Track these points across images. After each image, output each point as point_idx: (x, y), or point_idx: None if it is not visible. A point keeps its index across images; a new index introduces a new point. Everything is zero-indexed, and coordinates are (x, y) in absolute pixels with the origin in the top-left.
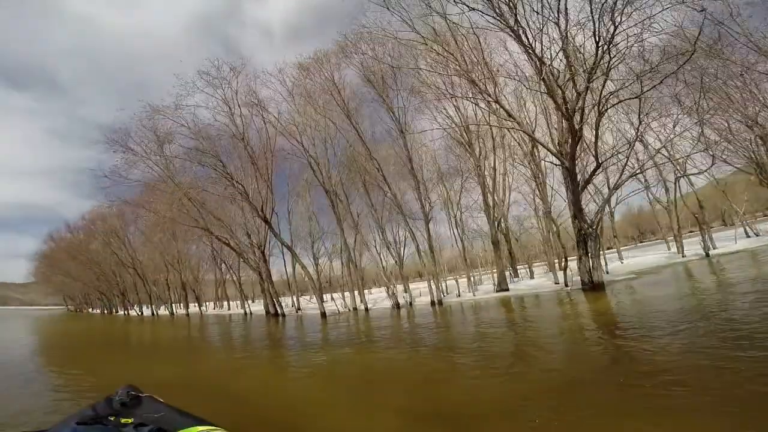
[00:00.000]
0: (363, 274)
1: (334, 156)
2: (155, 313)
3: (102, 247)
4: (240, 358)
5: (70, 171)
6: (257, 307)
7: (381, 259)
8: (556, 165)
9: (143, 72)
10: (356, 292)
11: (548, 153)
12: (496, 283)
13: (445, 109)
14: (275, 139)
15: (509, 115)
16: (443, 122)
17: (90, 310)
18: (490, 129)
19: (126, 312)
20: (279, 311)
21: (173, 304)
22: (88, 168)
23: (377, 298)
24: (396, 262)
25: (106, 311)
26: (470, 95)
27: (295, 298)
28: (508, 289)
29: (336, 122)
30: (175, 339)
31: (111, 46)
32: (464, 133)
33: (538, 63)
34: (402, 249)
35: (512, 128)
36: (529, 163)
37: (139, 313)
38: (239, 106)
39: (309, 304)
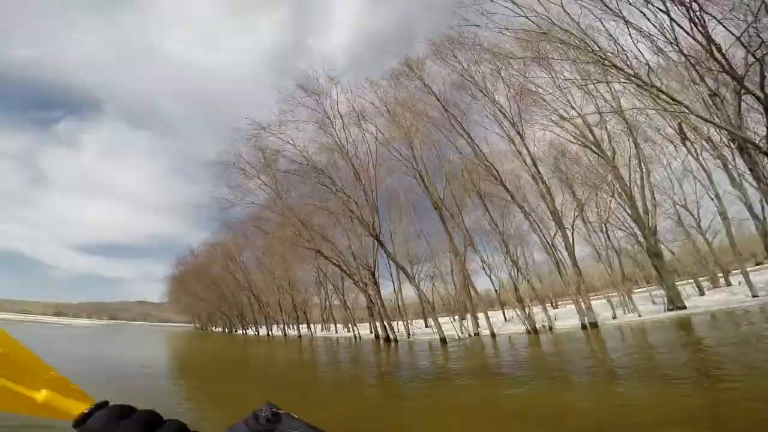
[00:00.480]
0: (479, 296)
1: (440, 167)
2: (269, 333)
3: (221, 271)
4: (384, 393)
5: (191, 205)
6: (364, 330)
7: (495, 281)
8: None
9: (231, 108)
10: (472, 316)
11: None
12: (665, 300)
13: (556, 111)
14: (376, 153)
15: (672, 99)
16: (560, 123)
17: (213, 328)
18: (627, 126)
19: (244, 331)
20: (390, 335)
21: (285, 325)
22: (210, 191)
23: (495, 322)
24: (527, 280)
25: (226, 330)
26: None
27: (403, 323)
28: (684, 307)
29: (441, 130)
30: (300, 365)
31: (201, 84)
32: (590, 134)
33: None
34: (526, 265)
35: (677, 113)
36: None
37: (256, 333)
38: (340, 116)
39: (417, 329)
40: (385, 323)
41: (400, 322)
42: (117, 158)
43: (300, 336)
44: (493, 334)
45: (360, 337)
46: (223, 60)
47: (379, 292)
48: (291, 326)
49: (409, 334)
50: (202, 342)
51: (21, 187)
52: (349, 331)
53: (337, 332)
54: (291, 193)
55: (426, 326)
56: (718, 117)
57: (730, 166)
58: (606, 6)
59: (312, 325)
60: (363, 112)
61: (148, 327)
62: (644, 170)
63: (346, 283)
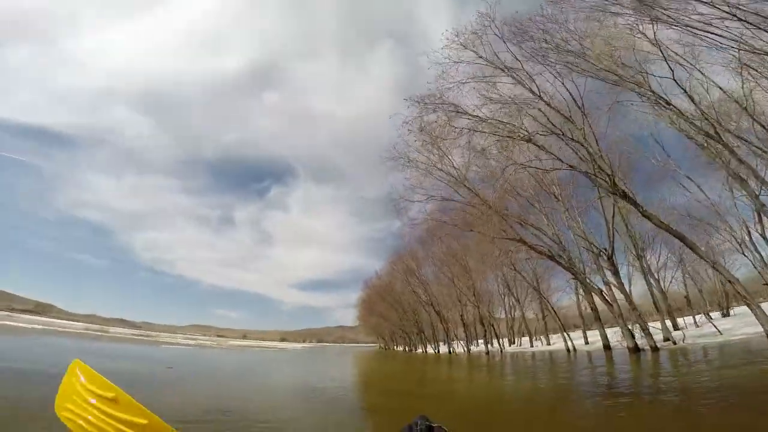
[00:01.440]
0: None
1: None
2: (451, 350)
3: (402, 287)
4: None
5: (370, 239)
6: (578, 340)
7: None
8: None
9: (382, 144)
10: None
11: None
12: None
13: None
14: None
15: None
16: None
17: (395, 347)
18: None
19: (424, 349)
20: (651, 344)
21: (468, 341)
22: (389, 190)
23: None
24: None
25: (406, 348)
26: None
27: (661, 322)
28: None
29: None
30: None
31: (350, 132)
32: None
33: None
34: None
35: None
36: None
37: (435, 351)
38: None
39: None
40: (641, 325)
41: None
42: (312, 212)
43: (488, 353)
44: None
45: (575, 349)
46: (356, 108)
47: (621, 284)
48: (474, 342)
49: (671, 339)
50: (379, 361)
51: (255, 246)
52: (548, 344)
53: (532, 346)
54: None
55: (676, 327)
56: None
57: None
58: None
59: (500, 340)
60: None
61: (339, 348)
62: None
63: (553, 283)
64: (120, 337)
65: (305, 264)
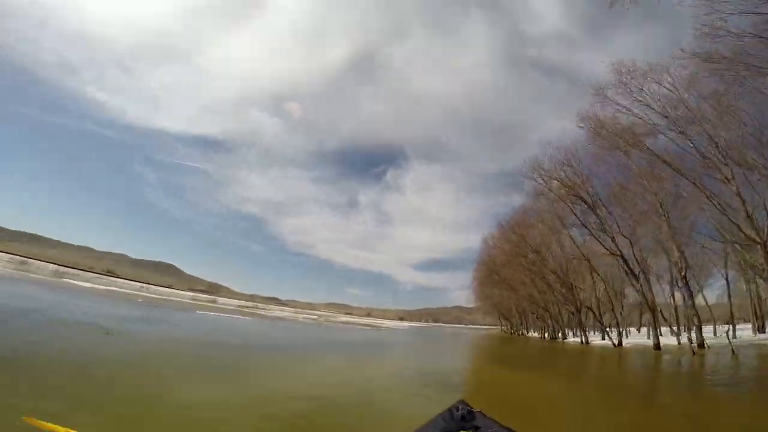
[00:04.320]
0: None
1: None
2: (618, 341)
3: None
4: None
5: (484, 215)
6: None
7: None
8: None
9: (485, 118)
10: None
11: None
12: None
13: None
14: None
15: None
16: None
17: (527, 332)
18: None
19: (584, 338)
20: None
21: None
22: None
23: None
24: None
25: (546, 335)
26: None
27: None
28: None
29: None
30: None
31: (449, 108)
32: None
33: None
34: None
35: None
36: None
37: (583, 341)
38: None
39: None
40: None
41: None
42: (424, 191)
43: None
44: None
45: None
46: (457, 83)
47: None
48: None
49: None
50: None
51: (377, 227)
52: None
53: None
54: None
55: None
56: None
57: None
58: None
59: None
60: None
61: (450, 330)
62: None
63: None
64: (251, 312)
65: (422, 244)
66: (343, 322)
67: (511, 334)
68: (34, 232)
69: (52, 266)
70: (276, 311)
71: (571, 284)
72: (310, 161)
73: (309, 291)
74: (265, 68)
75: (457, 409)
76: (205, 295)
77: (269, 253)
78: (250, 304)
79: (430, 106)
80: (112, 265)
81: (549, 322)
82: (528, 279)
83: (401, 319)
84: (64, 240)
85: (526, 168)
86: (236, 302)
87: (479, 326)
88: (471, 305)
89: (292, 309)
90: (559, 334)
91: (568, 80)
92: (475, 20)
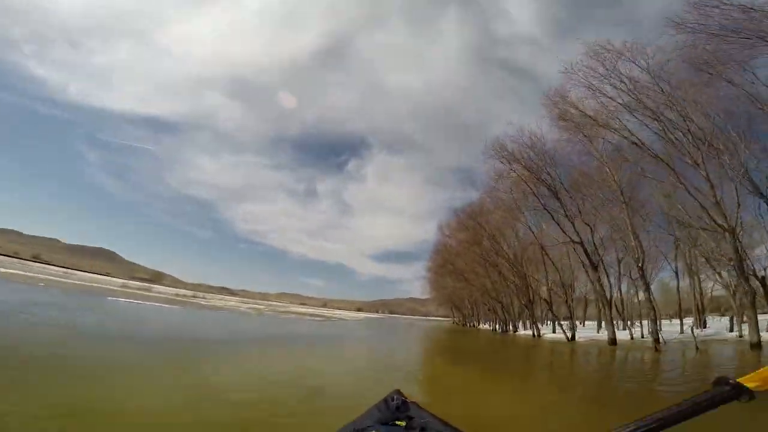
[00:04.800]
0: None
1: None
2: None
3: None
4: None
5: (445, 208)
6: None
7: None
8: None
9: (453, 114)
10: None
11: None
12: None
13: None
14: None
15: None
16: None
17: (478, 324)
18: None
19: (536, 331)
20: None
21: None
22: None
23: None
24: None
25: (498, 327)
26: None
27: None
28: None
29: None
30: None
31: (419, 103)
32: None
33: None
34: None
35: None
36: None
37: (535, 334)
38: None
39: None
40: None
41: None
42: (386, 182)
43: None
44: None
45: None
46: (427, 77)
47: None
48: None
49: None
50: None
51: (336, 217)
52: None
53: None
54: None
55: None
56: None
57: None
58: None
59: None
60: None
61: (404, 321)
62: None
63: None
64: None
65: (382, 235)
66: (292, 313)
67: (463, 325)
68: None
69: None
70: (216, 301)
71: (525, 273)
72: (269, 148)
73: (262, 281)
74: (229, 50)
75: (392, 399)
76: (139, 283)
77: (219, 241)
78: (189, 293)
79: (398, 99)
80: (41, 250)
81: (500, 313)
82: (482, 269)
83: (359, 309)
84: None
85: (489, 147)
86: (174, 291)
87: (432, 317)
88: (425, 296)
89: (239, 299)
90: (510, 327)
91: (534, 83)
92: (450, 17)
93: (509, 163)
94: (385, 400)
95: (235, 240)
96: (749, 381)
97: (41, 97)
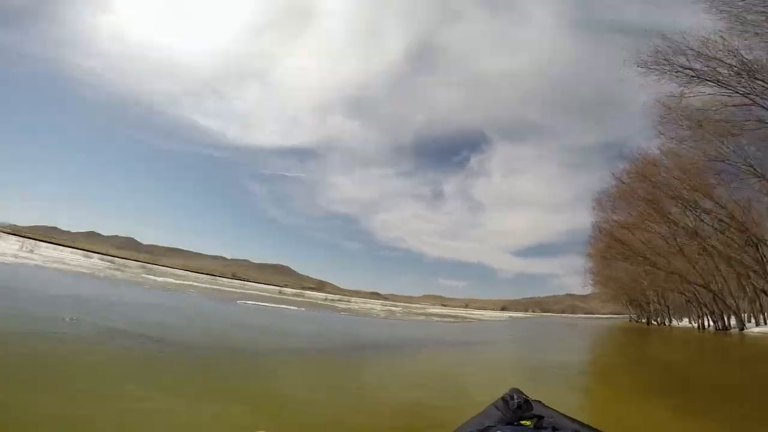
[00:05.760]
0: None
1: None
2: None
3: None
4: None
5: (590, 191)
6: None
7: None
8: None
9: (569, 88)
10: None
11: None
12: None
13: None
14: None
15: None
16: None
17: (669, 321)
18: None
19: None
20: None
21: None
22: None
23: None
24: None
25: (708, 325)
26: None
27: None
28: None
29: None
30: None
31: (528, 86)
32: None
33: None
34: None
35: None
36: None
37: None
38: None
39: None
40: None
41: None
42: (515, 173)
43: None
44: None
45: None
46: (527, 57)
47: None
48: None
49: None
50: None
51: (467, 215)
52: None
53: None
54: None
55: None
56: None
57: None
58: None
59: None
60: None
61: (561, 321)
62: None
63: None
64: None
65: (521, 228)
66: (425, 314)
67: (646, 323)
68: (179, 247)
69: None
70: (353, 304)
71: (756, 240)
72: (391, 158)
73: (406, 285)
74: (332, 74)
75: (512, 398)
76: (292, 290)
77: (365, 250)
78: (335, 297)
79: (503, 86)
80: (238, 269)
81: (712, 305)
82: (671, 244)
83: (503, 308)
84: (203, 252)
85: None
86: (322, 296)
87: (598, 315)
88: (586, 292)
89: (381, 302)
90: (729, 322)
91: (656, 38)
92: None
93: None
94: (504, 399)
95: (377, 248)
96: None
97: (210, 144)
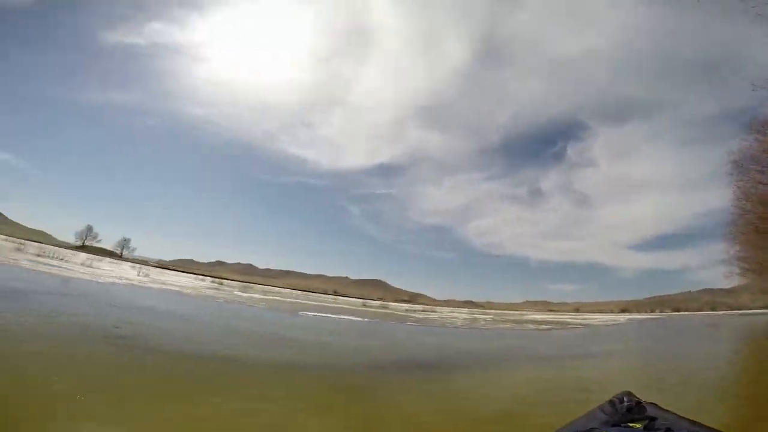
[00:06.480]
0: None
1: None
2: None
3: None
4: None
5: (720, 164)
6: None
7: None
8: None
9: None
10: None
11: None
12: None
13: None
14: None
15: None
16: None
17: None
18: None
19: None
20: None
21: None
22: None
23: None
24: None
25: None
26: None
27: None
28: None
29: None
30: None
31: (619, 60)
32: None
33: None
34: None
35: None
36: None
37: None
38: None
39: None
40: None
41: None
42: (624, 157)
43: None
44: None
45: None
46: (608, 27)
47: None
48: None
49: None
50: None
51: (573, 211)
52: None
53: None
54: None
55: None
56: None
57: None
58: None
59: None
60: None
61: (699, 322)
62: None
63: None
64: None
65: (641, 218)
66: (519, 322)
67: None
68: (289, 269)
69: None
70: (427, 313)
71: None
72: (479, 162)
73: (507, 291)
74: (401, 88)
75: (621, 401)
76: (378, 302)
77: (460, 259)
78: (419, 307)
79: (586, 66)
80: (338, 286)
81: None
82: None
83: (623, 310)
84: (307, 272)
85: None
86: (405, 307)
87: (750, 311)
88: (731, 284)
89: (468, 309)
90: None
91: None
92: None
93: None
94: (611, 402)
95: (472, 255)
96: None
97: (309, 173)
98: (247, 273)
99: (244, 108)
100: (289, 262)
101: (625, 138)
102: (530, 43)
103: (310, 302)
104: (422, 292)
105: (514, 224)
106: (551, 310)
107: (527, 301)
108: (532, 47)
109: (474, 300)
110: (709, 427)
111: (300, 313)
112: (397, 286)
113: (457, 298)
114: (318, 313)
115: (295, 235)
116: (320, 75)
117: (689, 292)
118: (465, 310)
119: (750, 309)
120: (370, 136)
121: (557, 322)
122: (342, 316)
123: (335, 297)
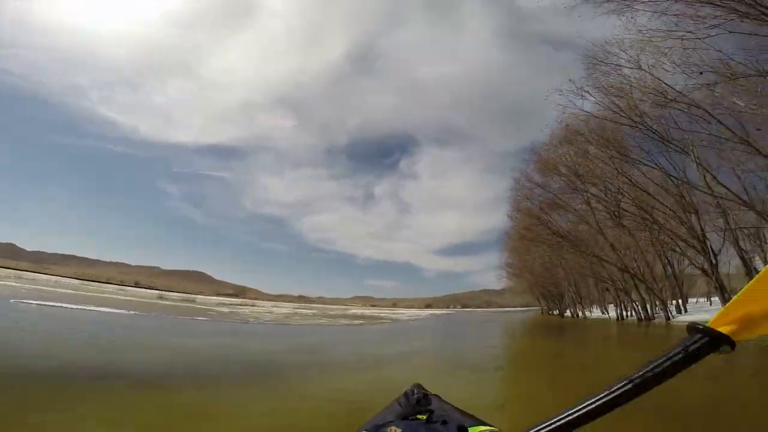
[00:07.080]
0: None
1: None
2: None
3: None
4: None
5: (507, 194)
6: None
7: None
8: None
9: (496, 99)
10: None
11: None
12: None
13: None
14: None
15: None
16: None
17: (581, 313)
18: None
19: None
20: None
21: None
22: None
23: None
24: None
25: (628, 314)
26: None
27: None
28: None
29: None
30: None
31: (459, 94)
32: None
33: None
34: None
35: None
36: None
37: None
38: None
39: None
40: None
41: None
42: (441, 176)
43: None
44: None
45: None
46: (461, 66)
47: None
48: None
49: None
50: None
51: (397, 217)
52: None
53: None
54: None
55: None
56: None
57: None
58: None
59: None
60: None
61: (480, 316)
62: None
63: None
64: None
65: (445, 229)
66: (335, 317)
67: (559, 315)
68: (75, 254)
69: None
70: (244, 309)
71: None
72: (324, 159)
73: (336, 287)
74: (265, 73)
75: (413, 393)
76: (182, 294)
77: (295, 253)
78: (237, 301)
79: (436, 91)
80: (142, 277)
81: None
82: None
83: (428, 306)
84: (102, 258)
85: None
86: (217, 300)
87: (511, 308)
88: (500, 287)
89: (293, 305)
90: (651, 311)
91: (581, 49)
92: (473, 3)
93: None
94: (406, 394)
95: (307, 250)
96: (721, 324)
97: (118, 139)
98: (6, 256)
99: (51, 53)
100: (74, 245)
101: (445, 160)
102: (401, 61)
103: (65, 291)
104: (252, 286)
105: (348, 223)
106: (373, 305)
107: (356, 297)
108: (402, 65)
109: (307, 295)
110: (474, 417)
111: (12, 300)
112: (222, 279)
113: (291, 293)
114: (55, 303)
115: (85, 211)
116: (173, 39)
117: (472, 291)
118: (291, 305)
119: (512, 307)
120: (210, 115)
121: (372, 317)
122: (100, 309)
123: (122, 287)
